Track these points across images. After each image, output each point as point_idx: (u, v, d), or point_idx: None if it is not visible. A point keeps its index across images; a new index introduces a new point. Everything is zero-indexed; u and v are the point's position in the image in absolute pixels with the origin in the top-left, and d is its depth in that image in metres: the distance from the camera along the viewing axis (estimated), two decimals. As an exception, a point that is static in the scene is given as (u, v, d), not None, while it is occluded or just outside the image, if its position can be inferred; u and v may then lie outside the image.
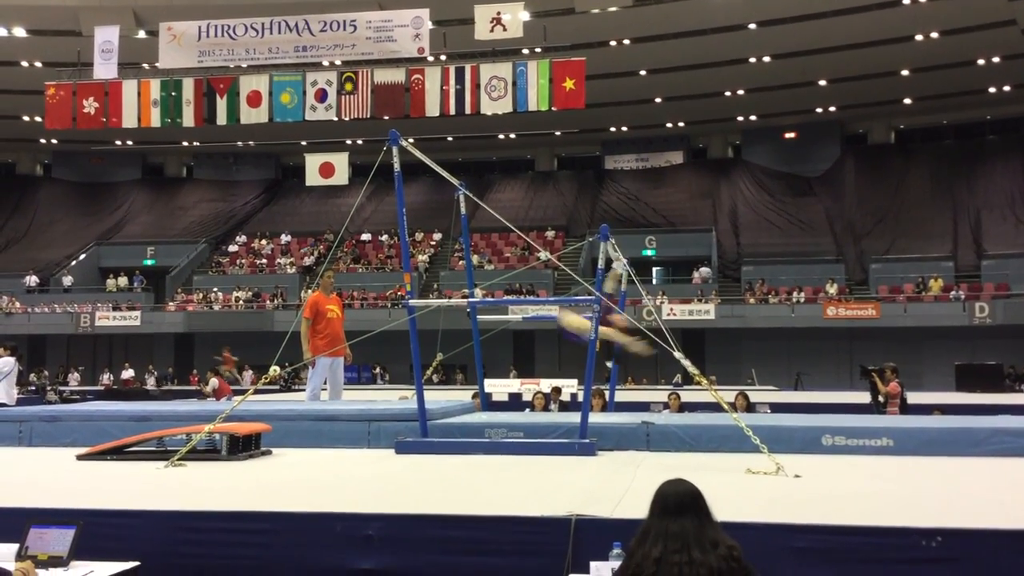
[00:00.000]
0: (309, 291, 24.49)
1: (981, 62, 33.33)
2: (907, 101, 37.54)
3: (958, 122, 38.66)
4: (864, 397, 15.45)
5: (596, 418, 8.17)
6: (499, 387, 21.51)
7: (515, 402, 18.53)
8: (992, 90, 35.85)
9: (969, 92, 35.64)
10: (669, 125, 41.27)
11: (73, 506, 4.83)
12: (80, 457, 7.20)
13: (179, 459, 6.64)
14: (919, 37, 31.78)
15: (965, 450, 7.10)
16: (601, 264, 8.88)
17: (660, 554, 3.16)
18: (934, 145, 39.10)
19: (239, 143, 43.06)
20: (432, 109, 23.43)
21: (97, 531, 4.37)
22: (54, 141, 42.43)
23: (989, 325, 29.41)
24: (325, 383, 10.84)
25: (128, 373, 33.45)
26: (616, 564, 3.51)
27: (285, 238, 40.96)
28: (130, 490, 5.59)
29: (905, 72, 34.46)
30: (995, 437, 7.21)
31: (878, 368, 14.33)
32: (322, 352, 10.36)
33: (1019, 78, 34.39)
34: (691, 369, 7.02)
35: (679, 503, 3.27)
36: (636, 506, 4.34)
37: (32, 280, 38.44)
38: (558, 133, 41.36)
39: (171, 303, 36.76)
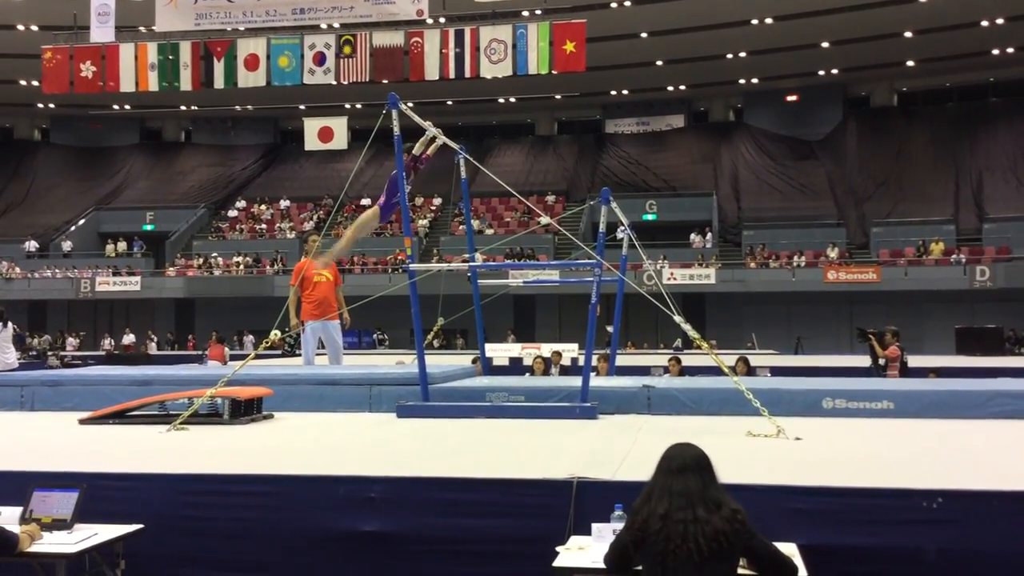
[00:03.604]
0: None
1: (985, 24, 33.01)
2: (910, 63, 37.23)
3: (961, 84, 38.39)
4: (864, 361, 15.46)
5: (597, 382, 8.18)
6: (500, 351, 21.51)
7: (516, 366, 18.53)
8: (996, 52, 35.55)
9: (972, 54, 35.35)
10: (670, 88, 40.97)
11: (76, 470, 4.83)
12: (82, 421, 7.21)
13: (181, 423, 6.65)
14: (923, -2, 31.51)
15: (965, 413, 7.11)
16: (602, 228, 8.85)
17: (666, 510, 3.21)
18: (937, 108, 38.86)
19: (237, 107, 42.84)
20: (431, 73, 23.31)
21: (100, 494, 4.37)
22: (52, 105, 42.15)
23: (990, 288, 29.40)
24: (322, 348, 10.81)
25: (129, 338, 33.52)
26: (618, 526, 3.53)
27: (284, 203, 40.84)
28: (133, 454, 5.60)
29: (908, 34, 34.15)
30: (995, 400, 7.21)
31: (877, 331, 14.34)
32: (309, 317, 10.31)
33: (1023, 40, 34.09)
34: (692, 333, 7.01)
35: (683, 464, 3.32)
36: (637, 469, 4.36)
37: (31, 245, 38.43)
38: (558, 97, 41.12)
39: (171, 268, 36.73)
